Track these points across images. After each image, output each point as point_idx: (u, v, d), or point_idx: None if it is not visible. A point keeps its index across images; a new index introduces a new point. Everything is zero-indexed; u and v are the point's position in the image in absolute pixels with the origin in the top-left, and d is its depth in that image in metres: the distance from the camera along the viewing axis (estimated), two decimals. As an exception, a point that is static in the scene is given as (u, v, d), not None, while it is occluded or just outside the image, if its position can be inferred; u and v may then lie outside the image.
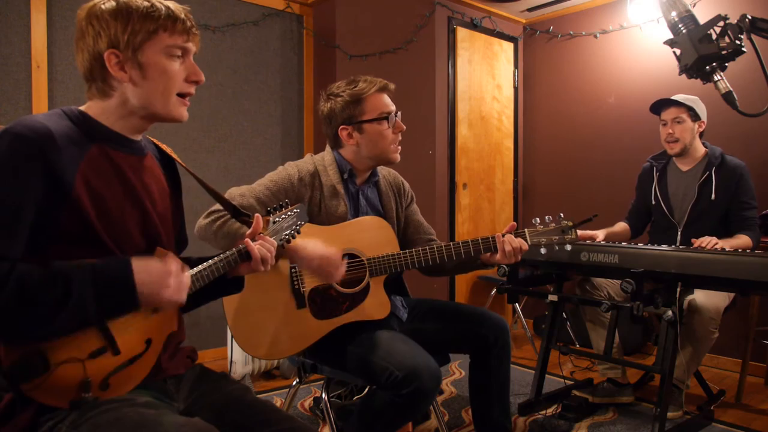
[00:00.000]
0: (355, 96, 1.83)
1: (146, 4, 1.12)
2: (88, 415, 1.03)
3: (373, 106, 1.84)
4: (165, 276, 1.07)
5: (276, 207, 1.42)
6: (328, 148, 1.94)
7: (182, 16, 1.15)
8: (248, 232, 1.30)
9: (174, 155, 1.34)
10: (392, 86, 1.89)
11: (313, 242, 1.64)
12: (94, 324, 1.03)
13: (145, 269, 1.06)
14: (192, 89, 1.20)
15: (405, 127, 1.90)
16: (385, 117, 1.85)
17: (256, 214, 1.32)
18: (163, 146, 1.34)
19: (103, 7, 1.11)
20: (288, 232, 1.43)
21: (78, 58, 1.14)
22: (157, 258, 1.11)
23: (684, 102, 2.64)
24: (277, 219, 1.39)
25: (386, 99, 1.87)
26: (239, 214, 1.40)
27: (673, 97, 2.67)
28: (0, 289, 0.93)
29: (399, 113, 1.90)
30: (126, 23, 1.10)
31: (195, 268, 1.20)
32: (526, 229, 1.79)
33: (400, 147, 1.91)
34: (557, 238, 1.78)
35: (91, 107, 1.16)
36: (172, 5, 1.15)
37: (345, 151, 1.90)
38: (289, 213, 1.44)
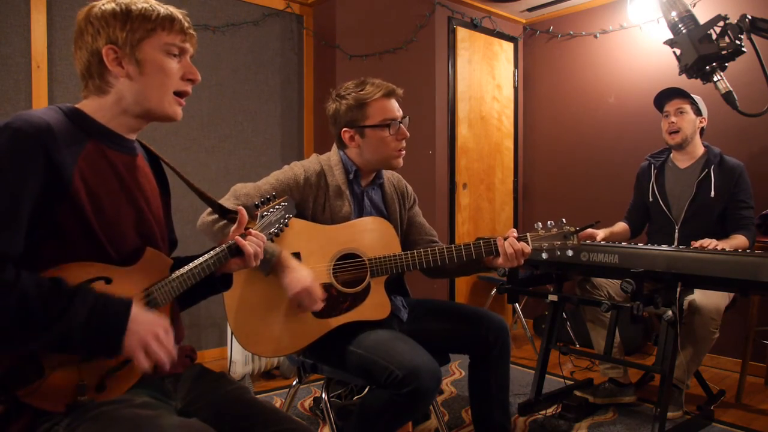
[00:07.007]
0: (359, 100, 1.83)
1: (145, 5, 1.14)
2: (84, 418, 1.02)
3: (376, 111, 1.84)
4: (156, 326, 1.06)
5: (264, 200, 1.42)
6: (335, 147, 1.95)
7: (179, 17, 1.18)
8: (234, 227, 1.31)
9: (161, 155, 1.34)
10: (400, 91, 1.88)
11: (306, 271, 1.66)
12: (76, 353, 1.01)
13: (141, 314, 1.05)
14: (188, 87, 1.21)
15: (409, 135, 1.89)
16: (387, 124, 1.84)
17: (239, 207, 1.33)
18: (150, 147, 1.34)
19: (102, 8, 1.14)
20: (277, 226, 1.44)
21: (76, 56, 1.16)
22: (156, 312, 1.11)
23: (688, 93, 2.66)
24: (265, 213, 1.40)
25: (392, 104, 1.86)
26: (226, 212, 1.40)
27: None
28: (2, 297, 0.93)
29: (407, 118, 1.88)
30: (125, 22, 1.12)
31: (186, 267, 1.20)
32: (528, 234, 1.78)
33: (403, 152, 1.90)
34: (559, 243, 1.78)
35: (87, 105, 1.16)
36: (171, 8, 1.18)
37: (350, 152, 1.91)
38: (276, 206, 1.44)
